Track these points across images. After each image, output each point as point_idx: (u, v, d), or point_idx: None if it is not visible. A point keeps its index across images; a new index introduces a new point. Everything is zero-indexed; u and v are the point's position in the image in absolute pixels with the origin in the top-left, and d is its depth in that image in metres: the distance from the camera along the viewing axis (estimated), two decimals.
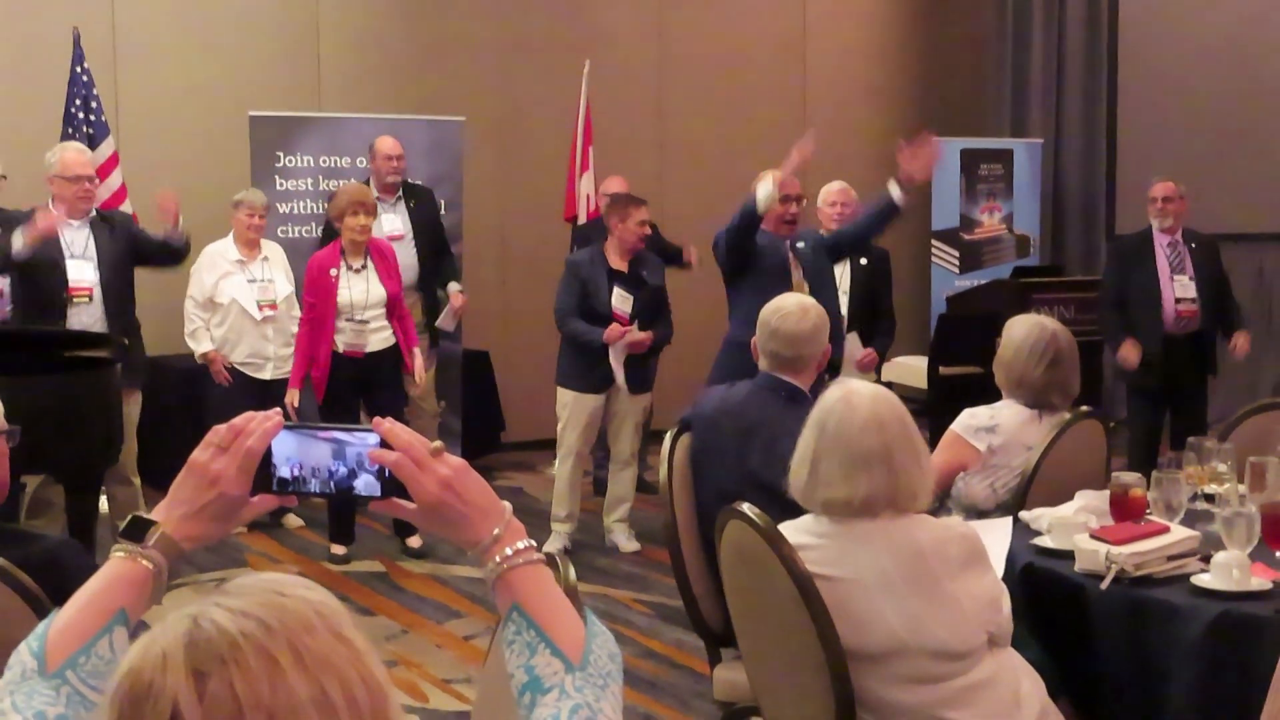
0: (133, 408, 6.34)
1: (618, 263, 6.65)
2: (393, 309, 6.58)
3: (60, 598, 2.53)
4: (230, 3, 8.51)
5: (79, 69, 7.43)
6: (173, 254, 6.53)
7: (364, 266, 6.51)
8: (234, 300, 6.98)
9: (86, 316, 6.21)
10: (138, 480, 6.45)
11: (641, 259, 6.73)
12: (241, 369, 6.97)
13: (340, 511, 6.68)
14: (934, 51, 10.90)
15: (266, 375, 7.00)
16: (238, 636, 1.15)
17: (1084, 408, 4.16)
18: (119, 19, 8.20)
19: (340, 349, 6.45)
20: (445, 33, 9.11)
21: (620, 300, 6.61)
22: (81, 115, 7.35)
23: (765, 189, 5.73)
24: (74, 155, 6.35)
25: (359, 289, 6.46)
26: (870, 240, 6.48)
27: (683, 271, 7.76)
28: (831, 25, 10.53)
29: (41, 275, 6.19)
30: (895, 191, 5.95)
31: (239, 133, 7.85)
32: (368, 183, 7.39)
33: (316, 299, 6.44)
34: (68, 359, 5.75)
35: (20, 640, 1.57)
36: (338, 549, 6.71)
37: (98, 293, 6.24)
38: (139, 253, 6.47)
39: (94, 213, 6.36)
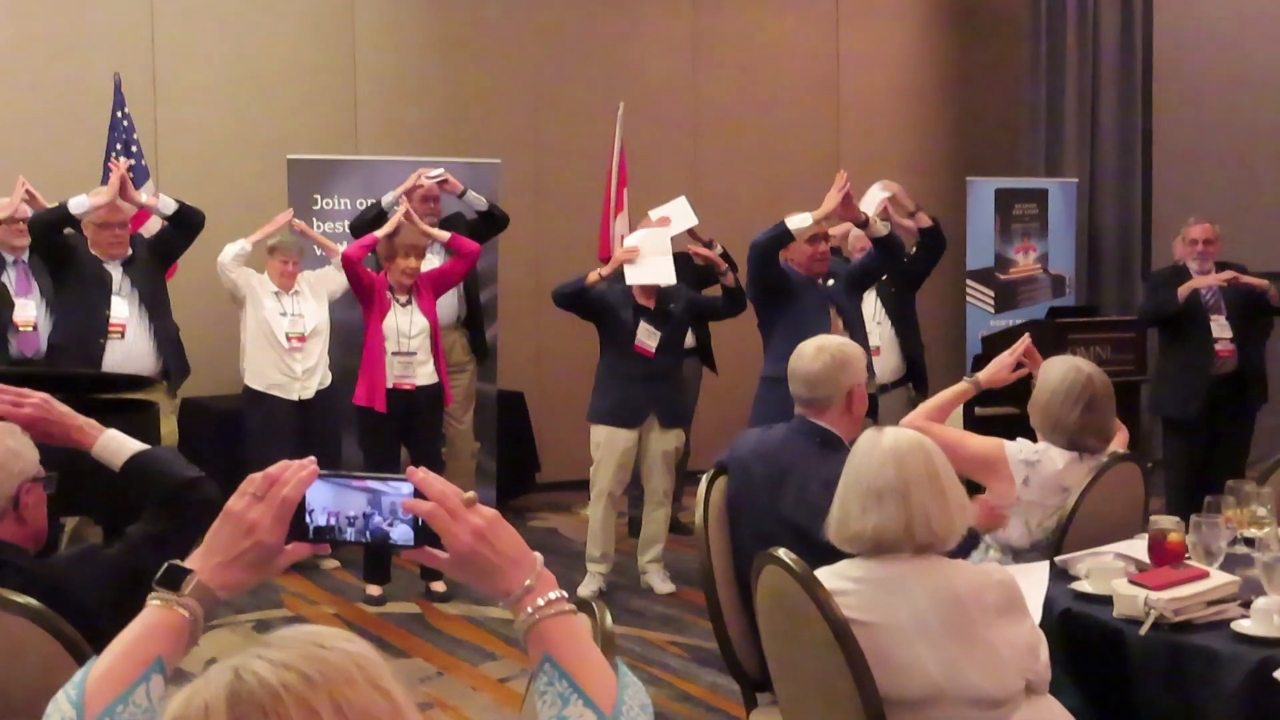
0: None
1: (644, 299, 6.69)
2: (434, 339, 6.74)
3: (78, 618, 2.55)
4: (269, 48, 8.61)
5: (120, 113, 7.53)
6: (185, 222, 6.72)
7: (409, 302, 6.65)
8: (265, 322, 7.05)
9: (119, 353, 6.38)
10: None
11: (669, 294, 6.75)
12: (270, 392, 7.02)
13: (376, 552, 6.69)
14: (968, 92, 10.91)
15: (296, 395, 7.06)
16: (279, 688, 1.16)
17: (1121, 449, 4.14)
18: (159, 64, 8.31)
19: (390, 384, 6.55)
20: (481, 76, 9.19)
21: (646, 335, 6.67)
22: (122, 160, 7.43)
23: (803, 217, 6.05)
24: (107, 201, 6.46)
25: (404, 319, 6.61)
26: (882, 267, 6.59)
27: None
28: (865, 66, 10.56)
29: (89, 307, 6.35)
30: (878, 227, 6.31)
31: (277, 175, 7.93)
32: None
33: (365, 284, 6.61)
34: (107, 401, 5.80)
35: (60, 686, 1.58)
36: (373, 590, 6.73)
37: (132, 328, 6.45)
38: (161, 251, 6.70)
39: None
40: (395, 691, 1.22)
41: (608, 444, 6.76)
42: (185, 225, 6.73)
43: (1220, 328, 7.03)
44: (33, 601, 2.51)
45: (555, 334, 9.01)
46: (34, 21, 8.02)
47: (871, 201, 6.78)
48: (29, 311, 6.64)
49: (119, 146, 7.49)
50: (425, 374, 6.67)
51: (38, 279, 6.67)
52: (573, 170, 9.23)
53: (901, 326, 7.19)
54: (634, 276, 6.67)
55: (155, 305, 6.57)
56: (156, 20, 8.32)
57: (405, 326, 6.60)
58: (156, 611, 1.61)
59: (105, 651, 1.59)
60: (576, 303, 6.70)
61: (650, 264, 6.70)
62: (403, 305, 6.64)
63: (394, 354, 6.57)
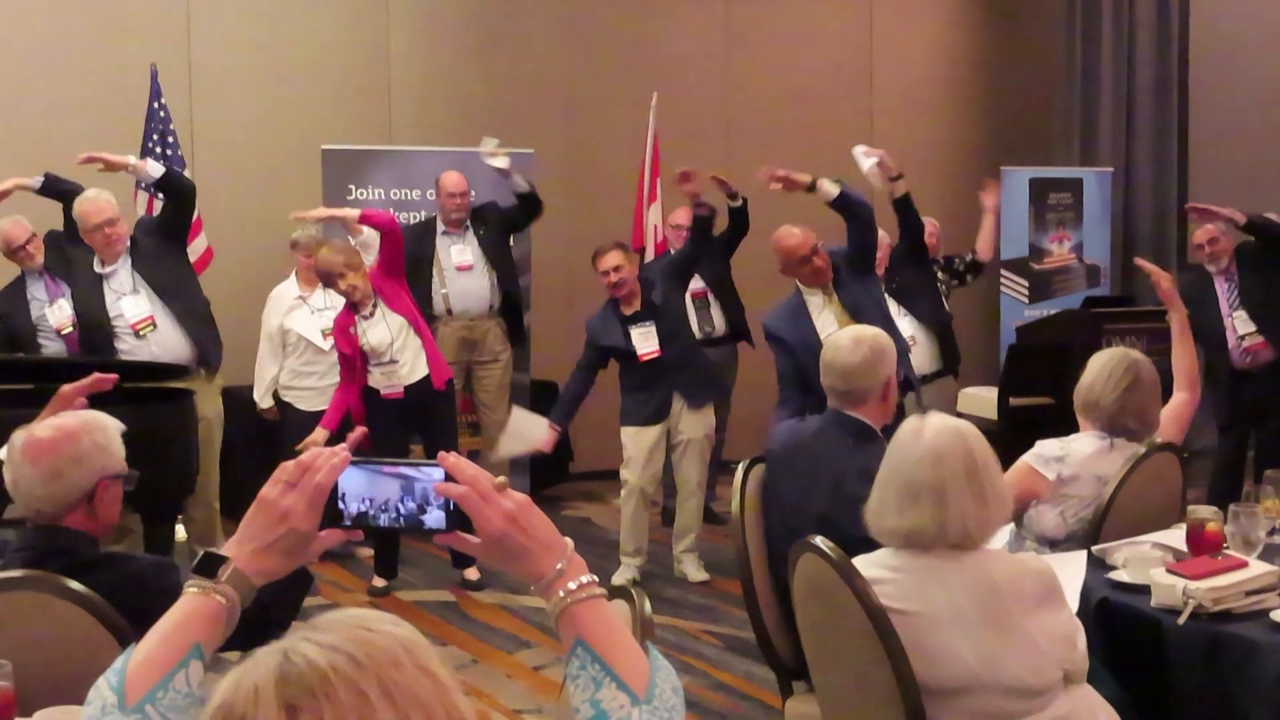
0: (215, 431, 6.46)
1: (623, 307, 6.72)
2: (415, 328, 6.50)
3: (149, 620, 2.58)
4: (303, 39, 8.65)
5: (156, 105, 7.58)
6: (171, 188, 6.46)
7: (374, 310, 6.41)
8: (300, 336, 7.09)
9: (155, 345, 6.31)
10: (217, 505, 6.53)
11: (647, 285, 6.76)
12: (313, 413, 6.88)
13: (385, 546, 6.74)
14: (1002, 80, 10.86)
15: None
16: (328, 671, 1.17)
17: (1159, 439, 4.13)
18: (195, 56, 8.36)
19: (381, 393, 6.43)
20: (514, 67, 9.20)
21: (642, 339, 6.66)
22: (158, 150, 7.49)
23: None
24: (88, 206, 6.26)
25: (377, 332, 6.39)
26: (864, 235, 6.07)
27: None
28: (899, 55, 10.53)
29: (93, 325, 6.32)
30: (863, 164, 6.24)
31: (311, 166, 7.97)
32: (433, 218, 7.54)
33: (347, 351, 6.44)
34: (146, 390, 5.85)
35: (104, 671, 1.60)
36: (379, 581, 6.75)
37: (161, 317, 6.34)
38: (164, 229, 6.50)
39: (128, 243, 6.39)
40: (441, 674, 1.23)
41: (635, 442, 6.79)
42: (175, 193, 6.44)
43: (1244, 323, 6.98)
44: (81, 587, 2.54)
45: None
46: (71, 13, 8.08)
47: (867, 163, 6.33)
48: (64, 313, 6.62)
49: (155, 137, 7.54)
50: (414, 373, 6.46)
51: (62, 281, 6.64)
52: (606, 160, 9.24)
53: (920, 309, 6.96)
54: (507, 448, 6.91)
55: (174, 292, 6.40)
56: (192, 12, 8.37)
57: (376, 338, 6.38)
58: (194, 599, 1.64)
59: (145, 638, 1.61)
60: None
61: (522, 430, 6.82)
62: (368, 318, 6.39)
63: (375, 365, 6.40)
